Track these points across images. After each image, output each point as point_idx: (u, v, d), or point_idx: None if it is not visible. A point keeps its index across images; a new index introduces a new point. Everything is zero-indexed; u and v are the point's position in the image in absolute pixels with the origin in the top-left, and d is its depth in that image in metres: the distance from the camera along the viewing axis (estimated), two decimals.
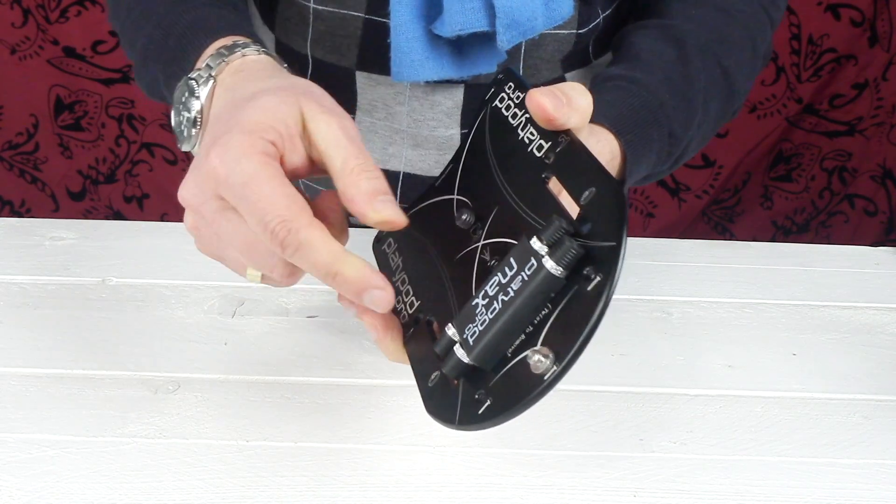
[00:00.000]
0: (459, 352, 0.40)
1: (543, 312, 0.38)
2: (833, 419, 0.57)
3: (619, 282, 0.69)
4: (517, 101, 0.46)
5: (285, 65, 0.52)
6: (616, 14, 0.71)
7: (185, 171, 0.44)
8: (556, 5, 0.61)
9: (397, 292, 0.48)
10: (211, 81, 0.48)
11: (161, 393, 0.56)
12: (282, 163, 0.42)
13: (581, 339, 0.36)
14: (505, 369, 0.38)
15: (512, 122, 0.46)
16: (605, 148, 0.56)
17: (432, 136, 0.71)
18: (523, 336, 0.38)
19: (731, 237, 1.78)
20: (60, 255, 0.69)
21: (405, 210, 0.50)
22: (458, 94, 0.69)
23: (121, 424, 0.53)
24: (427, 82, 0.67)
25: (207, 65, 0.49)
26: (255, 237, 0.41)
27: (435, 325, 0.45)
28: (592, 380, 0.59)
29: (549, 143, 0.43)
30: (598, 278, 0.36)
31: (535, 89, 0.43)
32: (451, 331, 0.41)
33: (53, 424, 0.53)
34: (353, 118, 0.70)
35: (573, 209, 0.40)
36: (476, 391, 0.39)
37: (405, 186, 0.73)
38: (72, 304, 0.64)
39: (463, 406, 0.39)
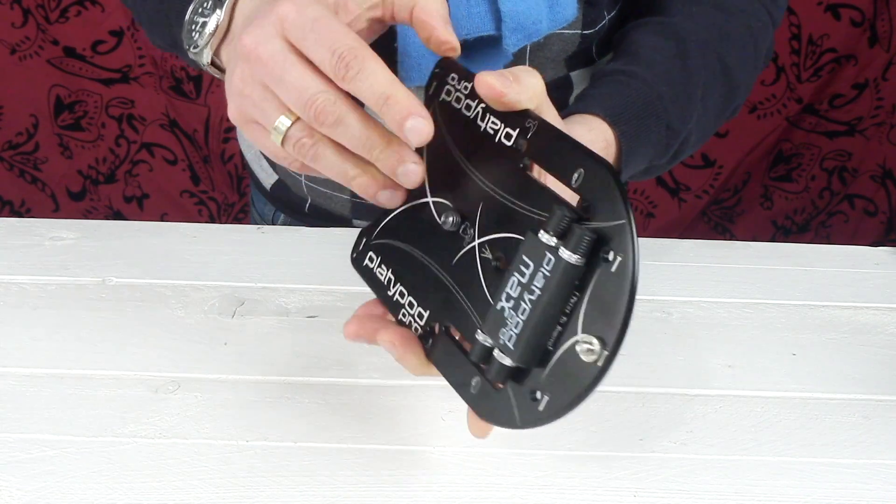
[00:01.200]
0: (501, 357, 0.39)
1: (573, 300, 0.38)
2: (833, 419, 0.57)
3: None
4: (466, 92, 0.46)
5: None
6: (620, 14, 0.72)
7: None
8: (560, 8, 0.61)
9: (397, 305, 0.47)
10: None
11: (161, 393, 0.56)
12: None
13: (622, 320, 0.36)
14: (552, 364, 0.38)
15: (467, 113, 0.45)
16: (598, 137, 0.56)
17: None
18: (559, 327, 0.38)
19: (731, 237, 1.78)
20: (60, 255, 0.69)
21: (371, 227, 0.50)
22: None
23: (121, 424, 0.53)
24: None
25: None
26: (309, 77, 0.43)
27: (453, 331, 0.44)
28: None
29: (518, 130, 0.43)
30: (620, 258, 0.36)
31: (482, 72, 0.43)
32: (481, 337, 0.41)
33: (53, 424, 0.53)
34: None
35: (564, 192, 0.40)
36: (529, 390, 0.39)
37: None
38: (72, 304, 0.64)
39: (520, 407, 0.39)
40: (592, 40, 0.70)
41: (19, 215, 1.73)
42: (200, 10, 0.51)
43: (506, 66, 0.64)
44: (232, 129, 1.65)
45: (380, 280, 0.50)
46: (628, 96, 0.59)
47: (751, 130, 1.65)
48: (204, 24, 0.51)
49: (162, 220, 1.72)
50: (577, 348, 0.37)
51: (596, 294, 0.37)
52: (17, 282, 0.66)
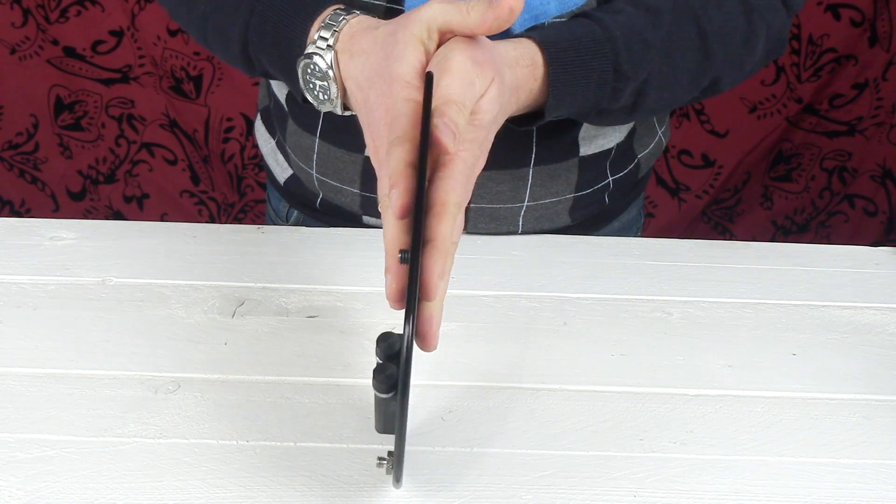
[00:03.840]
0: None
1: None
2: (833, 419, 0.57)
3: (620, 282, 0.70)
4: None
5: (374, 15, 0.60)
6: None
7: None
8: None
9: None
10: (331, 52, 0.57)
11: (161, 393, 0.56)
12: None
13: (396, 447, 0.42)
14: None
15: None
16: (523, 54, 0.58)
17: None
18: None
19: (731, 237, 1.78)
20: (60, 255, 0.69)
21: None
22: None
23: (121, 424, 0.53)
24: None
25: (321, 36, 0.57)
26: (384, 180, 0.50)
27: None
28: (592, 380, 0.59)
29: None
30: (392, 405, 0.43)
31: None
32: None
33: (53, 424, 0.53)
34: None
35: None
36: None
37: None
38: (72, 304, 0.64)
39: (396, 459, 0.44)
40: None
41: (19, 215, 1.73)
42: (310, 70, 0.58)
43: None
44: (232, 129, 1.65)
45: None
46: (573, 31, 0.61)
47: (751, 130, 1.65)
48: (324, 90, 0.58)
49: (162, 220, 1.72)
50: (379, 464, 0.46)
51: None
52: (17, 282, 0.66)
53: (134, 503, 0.48)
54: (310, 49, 0.57)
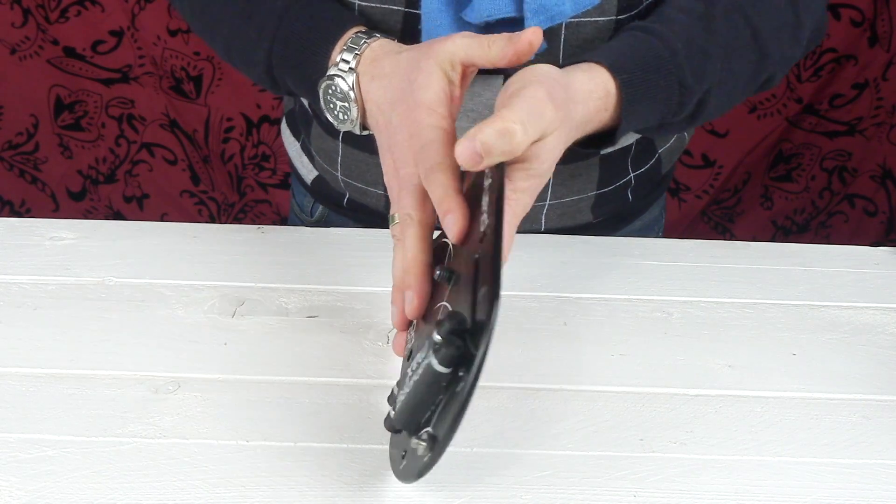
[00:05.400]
0: (391, 409, 0.45)
1: (440, 396, 0.42)
2: (833, 419, 0.57)
3: (620, 282, 0.70)
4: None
5: (393, 38, 0.61)
6: None
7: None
8: None
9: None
10: (353, 74, 0.58)
11: (161, 393, 0.56)
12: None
13: (446, 430, 0.41)
14: (421, 436, 0.43)
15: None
16: (598, 86, 0.57)
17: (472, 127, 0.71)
18: (429, 413, 0.43)
19: (731, 237, 1.78)
20: (60, 255, 0.69)
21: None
22: (497, 84, 0.69)
23: (121, 424, 0.53)
24: None
25: (343, 59, 0.59)
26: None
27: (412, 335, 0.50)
28: (592, 380, 0.59)
29: (486, 233, 0.45)
30: (462, 383, 0.40)
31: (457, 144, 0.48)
32: (395, 385, 0.46)
33: (53, 424, 0.53)
34: None
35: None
36: (402, 448, 0.45)
37: None
38: (72, 304, 0.64)
39: (392, 457, 0.44)
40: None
41: (19, 215, 1.73)
42: (331, 91, 0.59)
43: (539, 56, 0.65)
44: (232, 129, 1.65)
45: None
46: (637, 49, 0.60)
47: (751, 130, 1.65)
48: (345, 111, 0.59)
49: (162, 220, 1.72)
50: (413, 443, 0.42)
51: (447, 401, 0.42)
52: (17, 282, 0.66)
53: (134, 503, 0.48)
54: (332, 71, 0.59)
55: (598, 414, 0.56)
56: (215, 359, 0.59)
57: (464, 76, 0.54)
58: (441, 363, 0.41)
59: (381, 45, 0.59)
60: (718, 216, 1.77)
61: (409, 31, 0.67)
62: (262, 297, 0.65)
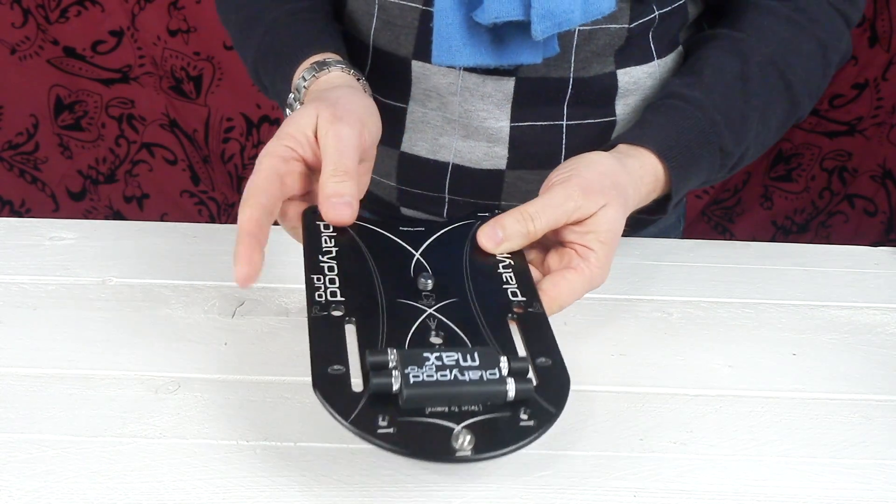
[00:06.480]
0: (394, 379, 0.45)
1: (475, 408, 0.45)
2: (833, 419, 0.57)
3: (620, 282, 0.70)
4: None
5: (360, 78, 0.65)
6: (680, 11, 0.72)
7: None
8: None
9: (318, 271, 0.53)
10: (298, 102, 0.65)
11: (161, 393, 0.56)
12: (303, 160, 0.56)
13: (500, 453, 0.44)
14: (416, 418, 0.44)
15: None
16: (648, 172, 0.63)
17: (482, 127, 0.72)
18: (447, 409, 0.45)
19: (731, 237, 1.78)
20: (60, 255, 0.69)
21: (371, 221, 0.58)
22: (508, 86, 0.70)
23: (121, 424, 0.53)
24: (479, 72, 0.69)
25: (303, 77, 0.65)
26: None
27: (348, 328, 0.50)
28: (592, 380, 0.59)
29: (525, 299, 0.53)
30: (533, 423, 0.45)
31: (478, 232, 0.57)
32: (391, 356, 0.46)
33: (53, 424, 0.53)
34: (406, 109, 0.74)
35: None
36: (381, 414, 0.44)
37: (453, 178, 0.74)
38: (72, 304, 0.64)
39: (361, 413, 0.44)
40: (642, 35, 0.70)
41: (19, 215, 1.73)
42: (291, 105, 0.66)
43: (551, 60, 0.67)
44: (232, 129, 1.65)
45: (319, 243, 0.55)
46: (682, 127, 0.65)
47: None
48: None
49: (162, 220, 1.72)
50: (456, 432, 0.44)
51: (495, 420, 0.45)
52: (17, 282, 0.66)
53: (134, 503, 0.48)
54: (290, 97, 0.66)
55: (597, 414, 0.56)
56: (215, 359, 0.59)
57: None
58: (515, 392, 0.45)
59: (337, 77, 0.64)
60: (718, 216, 1.77)
61: (426, 29, 0.68)
62: (262, 297, 0.65)
